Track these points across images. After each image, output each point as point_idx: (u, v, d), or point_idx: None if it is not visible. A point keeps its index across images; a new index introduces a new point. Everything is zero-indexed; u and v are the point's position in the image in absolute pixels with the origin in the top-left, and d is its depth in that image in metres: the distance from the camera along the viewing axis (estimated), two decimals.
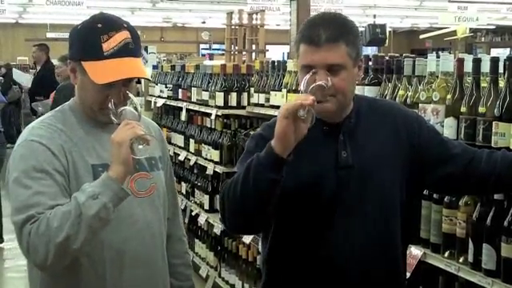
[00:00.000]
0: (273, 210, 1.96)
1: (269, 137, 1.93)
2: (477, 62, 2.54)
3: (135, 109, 2.03)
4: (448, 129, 2.60)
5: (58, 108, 2.22)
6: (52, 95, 7.20)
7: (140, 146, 1.98)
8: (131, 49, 2.08)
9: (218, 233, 5.31)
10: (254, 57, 6.75)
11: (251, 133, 4.88)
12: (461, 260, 2.57)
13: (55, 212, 1.92)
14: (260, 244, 2.37)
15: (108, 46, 2.04)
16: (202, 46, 23.01)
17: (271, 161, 1.86)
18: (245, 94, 5.17)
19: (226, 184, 2.02)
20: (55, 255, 1.92)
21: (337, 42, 2.00)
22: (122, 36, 2.07)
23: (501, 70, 2.51)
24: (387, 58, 3.18)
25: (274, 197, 1.92)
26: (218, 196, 5.41)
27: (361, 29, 14.02)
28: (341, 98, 2.03)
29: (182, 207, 5.97)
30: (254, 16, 7.09)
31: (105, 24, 2.07)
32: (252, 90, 4.96)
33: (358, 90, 3.12)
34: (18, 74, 11.17)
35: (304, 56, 2.04)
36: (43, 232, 1.91)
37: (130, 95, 2.06)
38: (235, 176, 1.98)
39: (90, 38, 2.06)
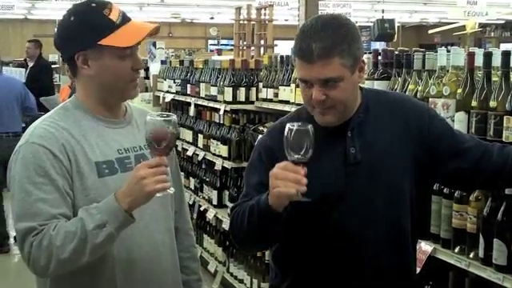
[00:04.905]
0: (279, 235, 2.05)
1: (273, 146, 1.93)
2: (488, 56, 2.52)
3: (174, 127, 1.91)
4: (459, 123, 2.58)
5: (60, 105, 2.21)
6: (64, 89, 7.17)
7: (159, 195, 1.93)
8: (127, 15, 2.14)
9: (227, 228, 5.29)
10: (262, 52, 6.72)
11: (260, 128, 4.87)
12: (471, 255, 2.56)
13: (58, 229, 1.93)
14: None
15: (114, 15, 2.08)
16: (210, 41, 22.99)
17: (268, 217, 1.93)
18: (253, 89, 5.17)
19: (233, 213, 2.10)
20: (56, 268, 1.95)
21: (329, 57, 1.94)
22: (115, 6, 2.11)
23: None
24: (397, 52, 3.16)
25: (280, 227, 1.98)
26: (226, 191, 5.42)
27: (369, 24, 13.97)
28: (341, 107, 2.02)
29: (191, 202, 5.97)
30: (263, 11, 7.06)
31: (97, 2, 2.10)
32: (260, 85, 4.95)
33: (368, 85, 3.11)
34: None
35: (299, 70, 2.02)
36: (45, 247, 1.92)
37: (173, 115, 1.95)
38: (241, 208, 2.06)
39: (95, 17, 2.07)
